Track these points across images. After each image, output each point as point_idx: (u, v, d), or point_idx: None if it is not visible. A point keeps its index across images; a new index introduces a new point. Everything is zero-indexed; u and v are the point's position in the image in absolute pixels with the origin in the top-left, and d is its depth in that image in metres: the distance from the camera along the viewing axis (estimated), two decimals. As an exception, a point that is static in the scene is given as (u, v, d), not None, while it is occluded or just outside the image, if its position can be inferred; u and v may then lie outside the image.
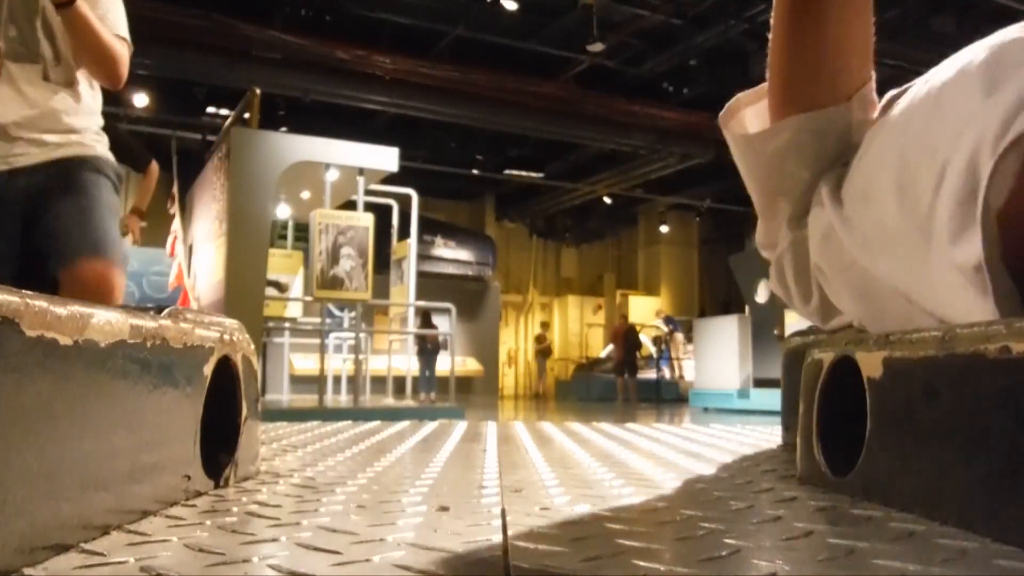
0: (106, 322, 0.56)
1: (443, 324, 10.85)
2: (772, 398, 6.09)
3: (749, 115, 1.04)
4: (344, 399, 9.09)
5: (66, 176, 1.81)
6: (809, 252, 0.96)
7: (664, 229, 18.87)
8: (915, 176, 0.77)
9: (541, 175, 16.11)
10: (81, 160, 1.84)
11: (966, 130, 0.70)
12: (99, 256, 1.81)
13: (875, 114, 0.94)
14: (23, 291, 0.47)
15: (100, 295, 1.78)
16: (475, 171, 15.51)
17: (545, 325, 19.16)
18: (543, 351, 18.12)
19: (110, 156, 1.93)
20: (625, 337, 14.09)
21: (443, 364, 10.08)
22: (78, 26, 1.72)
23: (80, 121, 1.86)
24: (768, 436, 1.57)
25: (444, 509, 0.68)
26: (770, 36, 0.97)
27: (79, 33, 1.74)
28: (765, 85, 1.02)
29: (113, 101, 9.96)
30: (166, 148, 8.90)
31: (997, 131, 0.67)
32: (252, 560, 0.48)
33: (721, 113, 1.05)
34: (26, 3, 1.78)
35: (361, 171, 7.73)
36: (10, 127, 1.75)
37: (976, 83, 0.74)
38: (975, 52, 0.78)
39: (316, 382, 7.91)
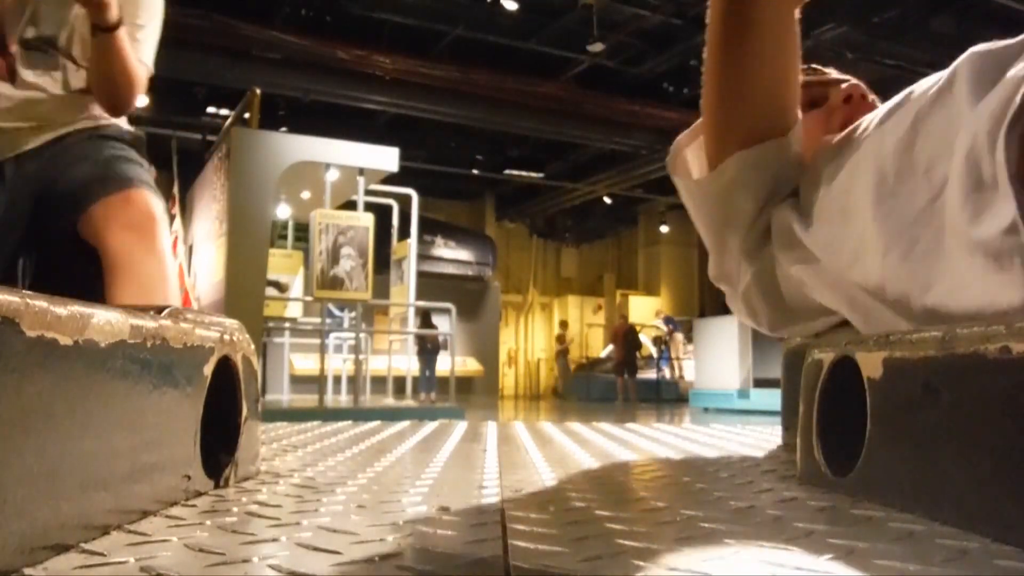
0: (106, 322, 0.56)
1: (443, 324, 10.85)
2: (772, 398, 6.08)
3: (690, 156, 1.10)
4: (344, 399, 9.09)
5: (78, 143, 1.69)
6: (778, 277, 1.00)
7: (664, 229, 18.85)
8: (895, 190, 0.81)
9: (541, 175, 16.10)
10: (93, 129, 1.72)
11: (962, 133, 0.73)
12: (126, 189, 1.62)
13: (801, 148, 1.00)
14: (23, 291, 0.47)
15: (140, 222, 1.59)
16: (475, 171, 15.50)
17: (564, 324, 18.80)
18: (564, 351, 17.93)
19: (128, 128, 1.79)
20: (625, 337, 14.09)
21: (443, 364, 10.08)
22: (110, 53, 1.58)
23: (96, 110, 1.74)
24: (768, 436, 1.57)
25: (444, 509, 0.68)
26: (703, 79, 1.01)
27: (106, 59, 1.60)
28: (698, 123, 1.07)
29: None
30: (166, 148, 8.89)
31: (989, 127, 0.70)
32: (252, 560, 0.48)
33: (667, 159, 1.11)
34: (57, 11, 1.64)
35: (361, 171, 7.72)
36: (21, 126, 1.65)
37: (961, 97, 0.77)
38: (944, 74, 0.82)
39: (316, 382, 7.90)
